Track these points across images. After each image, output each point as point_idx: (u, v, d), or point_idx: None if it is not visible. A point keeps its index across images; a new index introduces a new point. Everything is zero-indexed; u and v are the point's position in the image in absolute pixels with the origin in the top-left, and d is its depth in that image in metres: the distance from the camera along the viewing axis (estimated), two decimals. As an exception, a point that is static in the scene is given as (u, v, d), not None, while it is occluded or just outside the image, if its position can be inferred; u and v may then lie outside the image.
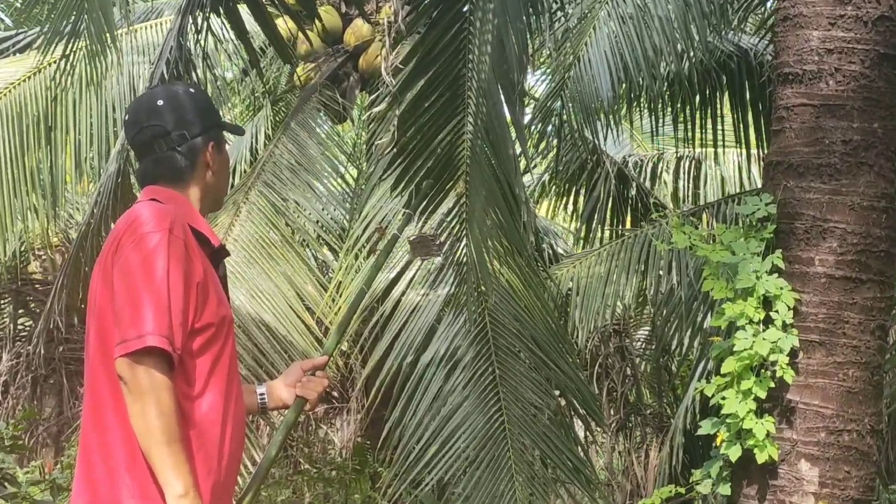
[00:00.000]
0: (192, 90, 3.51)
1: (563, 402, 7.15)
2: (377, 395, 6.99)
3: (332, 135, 8.25)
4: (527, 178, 8.96)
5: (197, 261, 3.18)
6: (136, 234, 3.12)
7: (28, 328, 11.79)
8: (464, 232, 5.93)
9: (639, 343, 10.55)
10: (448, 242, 6.06)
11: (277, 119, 8.93)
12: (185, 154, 3.39)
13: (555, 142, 8.23)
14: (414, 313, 6.86)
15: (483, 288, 6.38)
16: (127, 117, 3.49)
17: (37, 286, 12.02)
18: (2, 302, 11.82)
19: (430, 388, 6.64)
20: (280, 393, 3.64)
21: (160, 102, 3.40)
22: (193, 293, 3.13)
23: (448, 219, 6.09)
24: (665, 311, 7.62)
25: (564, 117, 7.82)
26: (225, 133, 3.54)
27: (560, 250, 9.48)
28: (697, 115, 8.31)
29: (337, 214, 7.98)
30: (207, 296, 3.18)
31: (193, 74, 7.14)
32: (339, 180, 8.15)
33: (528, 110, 8.89)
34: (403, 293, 6.96)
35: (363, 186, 7.80)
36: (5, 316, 11.83)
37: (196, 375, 3.15)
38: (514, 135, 5.85)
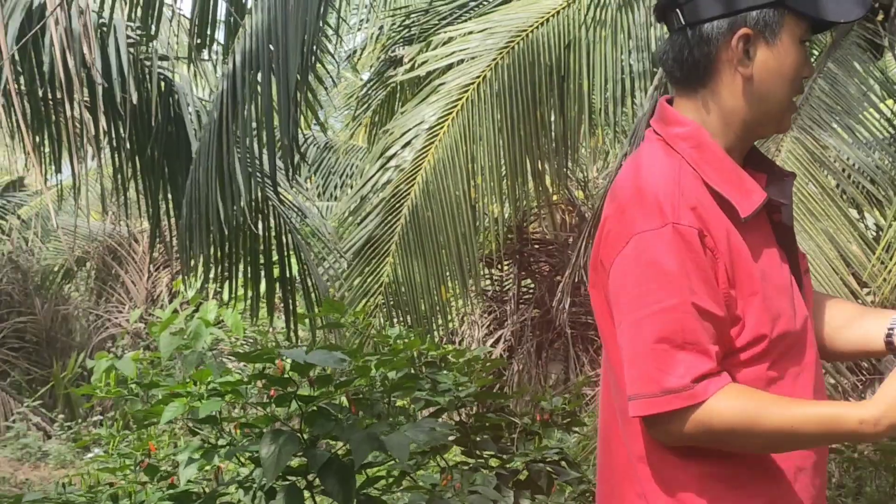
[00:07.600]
0: None
1: None
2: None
3: (871, 71, 7.28)
4: None
5: (720, 256, 2.18)
6: (624, 227, 2.20)
7: (531, 290, 11.84)
8: None
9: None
10: None
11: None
12: (694, 44, 2.23)
13: None
14: None
15: None
16: None
17: (537, 246, 12.08)
18: (506, 264, 11.93)
19: None
20: None
21: None
22: (719, 306, 2.18)
23: None
24: None
25: None
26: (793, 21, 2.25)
27: None
28: None
29: (882, 161, 7.27)
30: (739, 304, 2.21)
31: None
32: (884, 122, 7.28)
33: None
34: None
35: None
36: (509, 278, 11.92)
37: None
38: None
